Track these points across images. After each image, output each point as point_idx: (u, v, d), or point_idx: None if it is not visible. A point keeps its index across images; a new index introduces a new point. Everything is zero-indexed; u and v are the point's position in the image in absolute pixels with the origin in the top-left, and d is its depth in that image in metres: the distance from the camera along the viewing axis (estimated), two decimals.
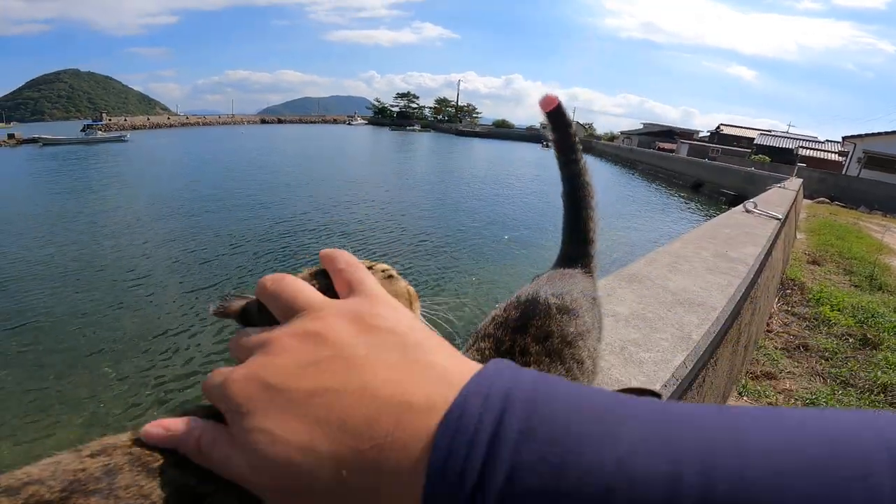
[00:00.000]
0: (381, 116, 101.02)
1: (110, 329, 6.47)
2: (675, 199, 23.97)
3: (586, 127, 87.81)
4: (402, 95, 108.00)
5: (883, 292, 6.21)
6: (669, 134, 53.46)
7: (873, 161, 24.01)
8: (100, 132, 41.09)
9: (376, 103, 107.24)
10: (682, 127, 57.22)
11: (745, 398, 3.42)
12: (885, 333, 4.62)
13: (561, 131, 0.89)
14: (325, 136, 53.70)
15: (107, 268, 8.79)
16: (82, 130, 40.33)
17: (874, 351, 4.26)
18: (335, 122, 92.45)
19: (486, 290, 8.14)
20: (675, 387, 1.44)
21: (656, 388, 1.45)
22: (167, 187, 17.71)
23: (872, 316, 5.04)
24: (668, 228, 14.60)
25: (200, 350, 5.96)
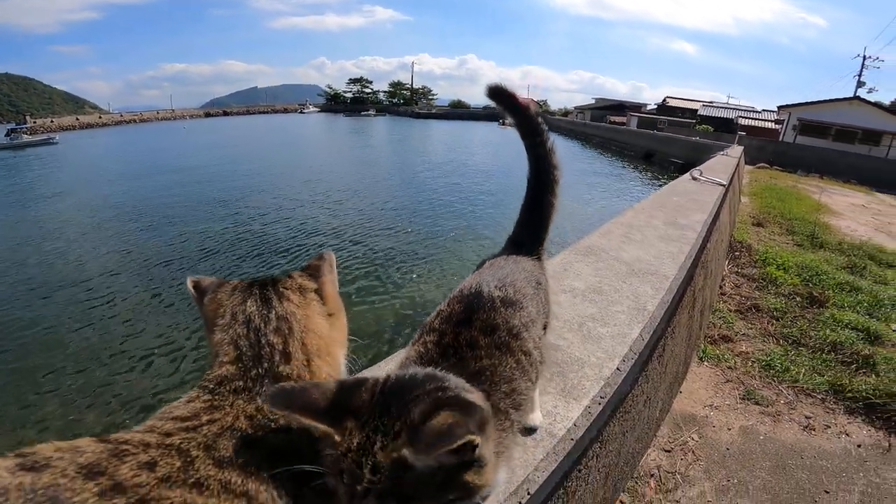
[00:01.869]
0: (334, 103, 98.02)
1: (53, 344, 6.02)
2: (628, 169, 24.86)
3: (540, 104, 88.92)
4: (354, 81, 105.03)
5: (824, 250, 6.58)
6: (620, 108, 54.91)
7: (807, 128, 25.66)
8: (26, 136, 38.35)
9: (328, 90, 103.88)
10: (631, 101, 58.73)
11: (705, 363, 3.51)
12: (830, 291, 4.87)
13: (517, 115, 0.89)
14: (277, 127, 51.30)
15: (54, 278, 8.14)
16: (7, 135, 37.10)
17: (821, 309, 4.47)
18: (286, 111, 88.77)
19: (450, 277, 8.10)
20: (633, 360, 1.42)
21: (614, 363, 1.43)
22: (107, 190, 16.46)
23: (816, 274, 5.31)
24: (623, 198, 15.04)
25: (151, 360, 5.64)
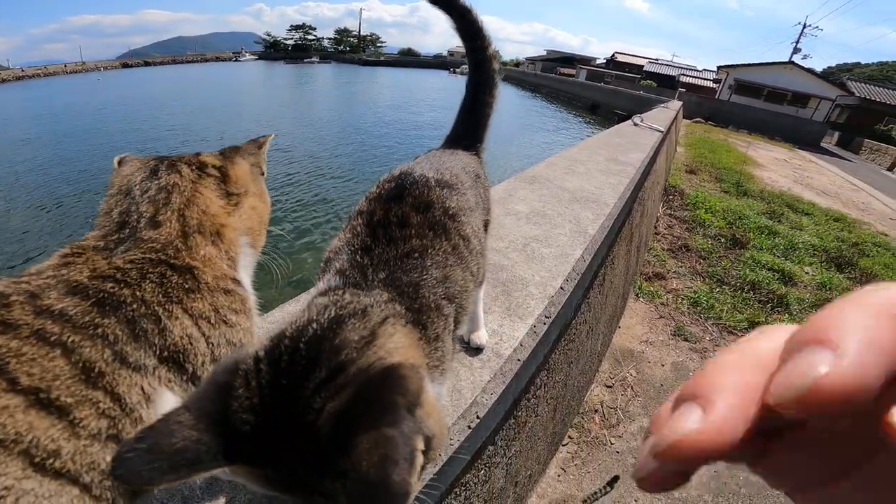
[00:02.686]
0: (273, 51, 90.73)
1: None
2: (574, 118, 25.38)
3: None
4: (296, 27, 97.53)
5: (748, 197, 7.11)
6: (570, 60, 55.06)
7: (742, 88, 26.95)
8: None
9: (267, 37, 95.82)
10: (581, 54, 59.00)
11: (641, 299, 3.75)
12: (751, 234, 5.32)
13: (461, 19, 0.86)
14: (207, 76, 46.86)
15: None
16: None
17: (742, 250, 4.88)
18: (218, 59, 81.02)
19: None
20: (576, 281, 1.48)
21: (557, 282, 1.50)
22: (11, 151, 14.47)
23: (740, 218, 5.75)
24: (567, 143, 15.39)
25: None
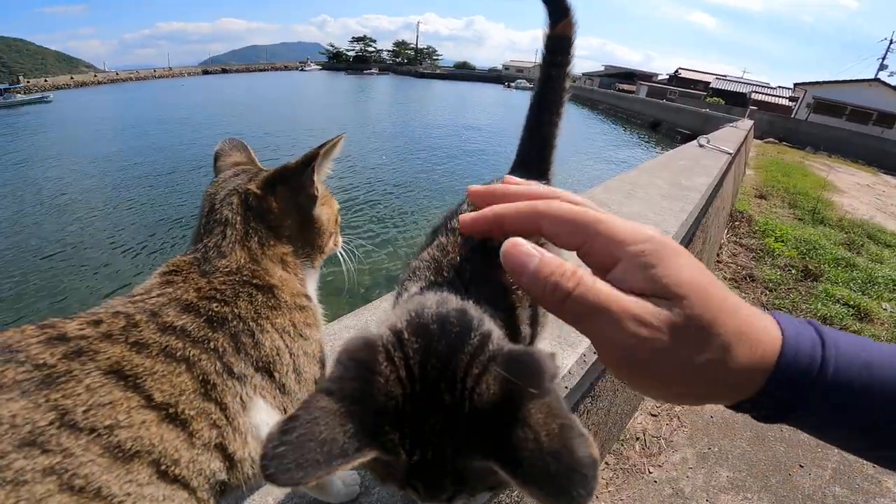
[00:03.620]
0: (335, 61, 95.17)
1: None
2: (634, 136, 24.55)
3: None
4: (357, 39, 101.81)
5: (824, 226, 6.56)
6: (629, 76, 53.64)
7: (822, 106, 25.13)
8: (18, 95, 37.50)
9: (330, 48, 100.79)
10: (641, 70, 57.26)
11: None
12: (826, 265, 4.89)
13: (561, 24, 0.77)
14: (277, 84, 49.72)
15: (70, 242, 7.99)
16: (0, 95, 36.27)
17: (815, 282, 4.50)
18: (286, 68, 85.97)
19: None
20: None
21: None
22: (108, 148, 15.98)
23: (814, 248, 5.31)
24: (627, 161, 14.91)
25: None
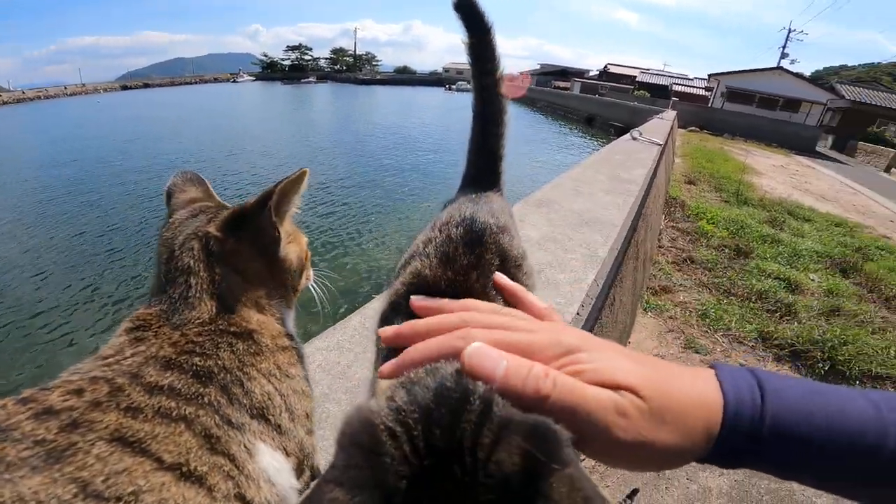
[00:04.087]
0: (270, 71, 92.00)
1: None
2: (572, 131, 25.65)
3: None
4: (293, 48, 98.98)
5: (749, 206, 7.12)
6: (564, 73, 55.95)
7: (734, 95, 27.26)
8: None
9: (264, 58, 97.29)
10: (575, 67, 59.81)
11: (649, 314, 3.73)
12: (754, 243, 5.31)
13: (478, 35, 0.75)
14: (208, 97, 47.28)
15: None
16: None
17: (747, 259, 4.86)
18: (216, 80, 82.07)
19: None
20: (590, 307, 1.49)
21: (573, 308, 1.51)
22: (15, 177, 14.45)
23: (742, 227, 5.75)
24: (569, 157, 15.52)
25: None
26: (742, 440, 0.32)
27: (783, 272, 4.57)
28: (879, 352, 3.39)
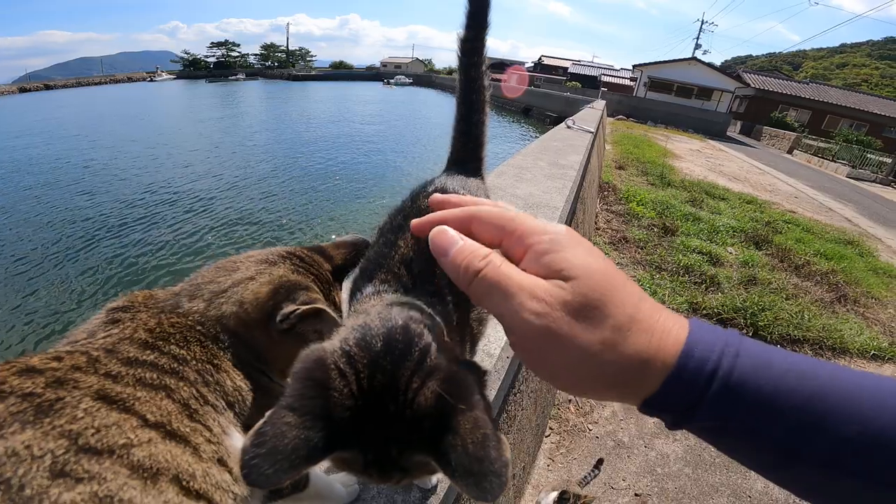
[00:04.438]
0: (193, 69, 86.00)
1: None
2: (511, 122, 26.30)
3: (425, 62, 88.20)
4: (218, 44, 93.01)
5: (672, 188, 7.66)
6: (500, 65, 57.16)
7: (655, 84, 29.01)
8: None
9: (185, 55, 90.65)
10: (511, 59, 61.25)
11: None
12: (679, 221, 5.73)
13: (476, 32, 0.82)
14: (122, 98, 43.30)
15: None
16: None
17: (673, 237, 5.25)
18: (130, 80, 75.42)
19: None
20: None
21: None
22: None
23: (667, 208, 6.19)
24: (509, 146, 15.88)
25: None
26: (692, 385, 0.27)
27: (705, 247, 4.99)
28: (794, 316, 3.75)
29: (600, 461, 2.03)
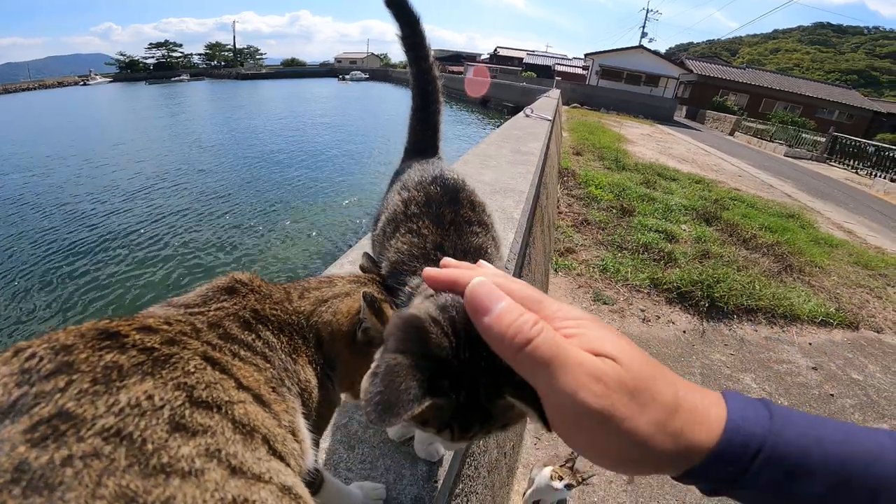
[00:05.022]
0: (130, 71, 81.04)
1: None
2: (470, 113, 26.46)
3: (381, 57, 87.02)
4: (157, 45, 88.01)
5: (626, 171, 7.99)
6: (457, 58, 57.46)
7: (606, 72, 29.95)
8: None
9: (121, 57, 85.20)
10: (467, 51, 61.63)
11: (560, 273, 4.07)
12: (635, 202, 6.00)
13: (410, 28, 0.90)
14: (50, 106, 40.14)
15: None
16: None
17: (631, 217, 5.49)
18: (61, 85, 70.26)
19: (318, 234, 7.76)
20: (514, 263, 1.63)
21: (501, 264, 1.64)
22: None
23: (624, 190, 6.47)
24: (471, 136, 15.97)
25: None
26: (737, 461, 0.28)
27: (661, 225, 5.25)
28: (746, 286, 4.00)
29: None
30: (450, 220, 0.69)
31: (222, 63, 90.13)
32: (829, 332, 3.82)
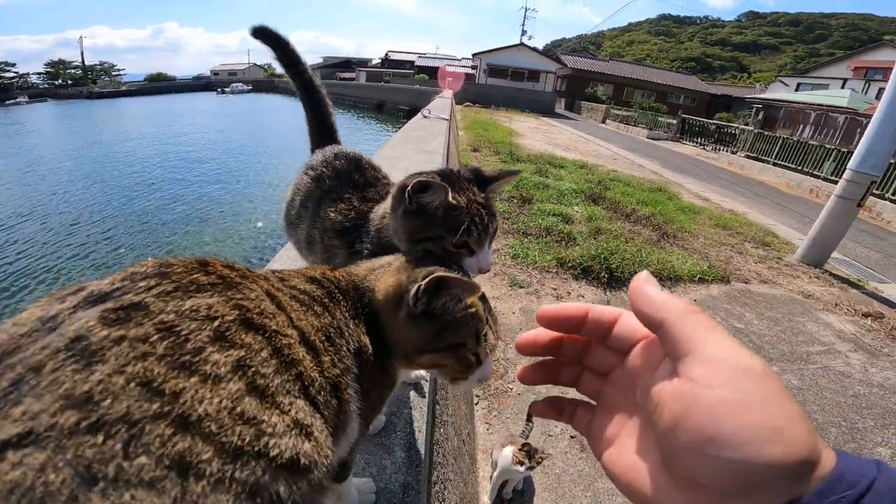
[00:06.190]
0: None
1: None
2: (365, 119, 26.18)
3: (265, 67, 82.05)
4: None
5: (521, 162, 8.49)
6: (348, 64, 56.40)
7: (493, 71, 31.29)
8: None
9: None
10: (358, 56, 60.60)
11: None
12: (532, 191, 6.38)
13: (281, 49, 1.01)
14: None
15: None
16: None
17: (530, 205, 5.85)
18: None
19: None
20: None
21: None
22: None
23: (521, 180, 6.79)
24: (372, 141, 15.80)
25: None
26: (851, 496, 0.27)
27: (557, 209, 5.67)
28: (635, 255, 4.44)
29: (530, 415, 2.09)
30: (363, 182, 0.84)
31: (69, 82, 78.27)
32: (707, 288, 4.29)
